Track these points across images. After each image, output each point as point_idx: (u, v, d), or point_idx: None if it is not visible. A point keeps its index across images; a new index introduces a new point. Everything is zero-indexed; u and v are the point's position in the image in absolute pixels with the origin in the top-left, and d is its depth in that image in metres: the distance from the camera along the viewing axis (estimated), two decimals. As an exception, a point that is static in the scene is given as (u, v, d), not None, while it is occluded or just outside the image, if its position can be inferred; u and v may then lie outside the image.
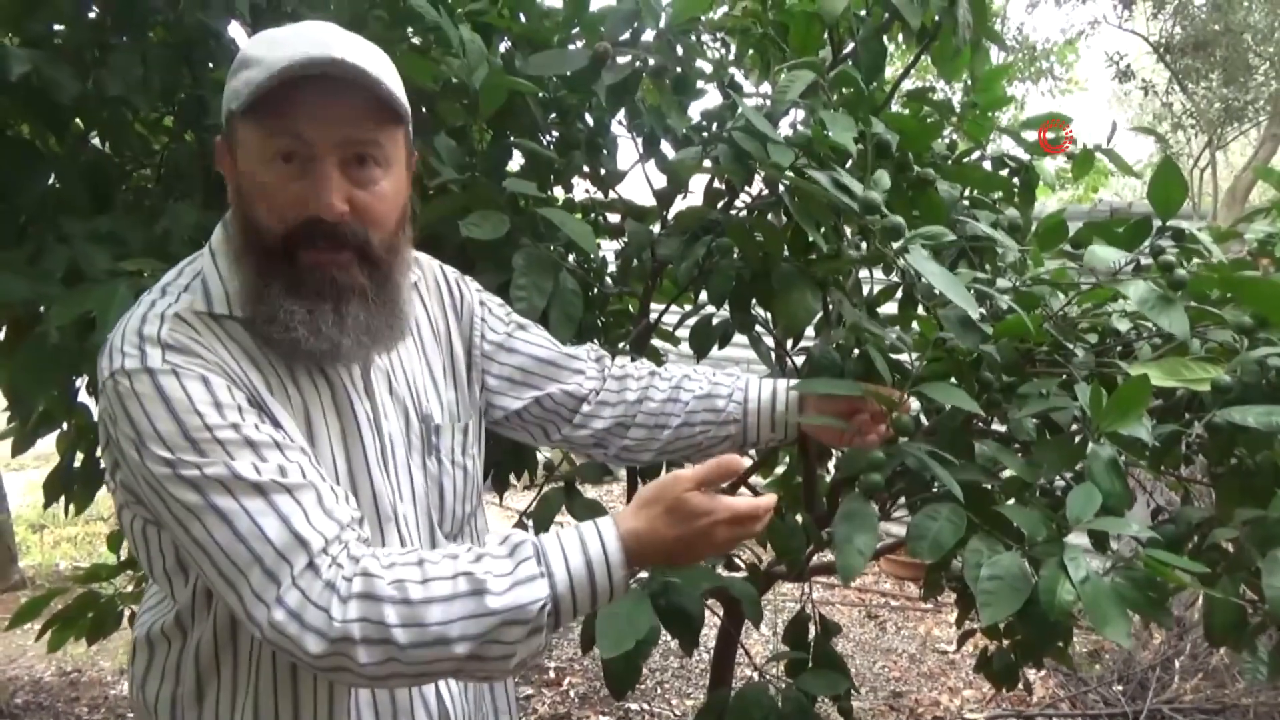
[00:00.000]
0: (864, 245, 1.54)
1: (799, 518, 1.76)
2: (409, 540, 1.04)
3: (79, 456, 2.05)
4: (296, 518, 0.85)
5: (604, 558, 0.88)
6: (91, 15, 1.71)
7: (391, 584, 0.83)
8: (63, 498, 2.06)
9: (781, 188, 1.35)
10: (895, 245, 1.19)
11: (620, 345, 1.85)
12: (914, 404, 1.30)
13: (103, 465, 2.07)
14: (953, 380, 1.42)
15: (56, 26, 1.73)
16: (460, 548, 0.89)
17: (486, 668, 0.86)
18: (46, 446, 2.06)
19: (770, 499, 0.96)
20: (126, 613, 2.26)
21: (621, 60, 1.53)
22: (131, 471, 0.89)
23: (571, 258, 1.79)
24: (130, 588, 2.34)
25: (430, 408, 1.10)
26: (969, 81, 1.95)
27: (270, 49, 0.89)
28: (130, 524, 0.98)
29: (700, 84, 1.83)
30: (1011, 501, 1.27)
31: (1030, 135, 1.83)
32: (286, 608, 0.82)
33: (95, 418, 1.95)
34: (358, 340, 0.96)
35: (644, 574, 1.33)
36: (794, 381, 1.28)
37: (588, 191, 2.09)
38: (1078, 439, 1.22)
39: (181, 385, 0.87)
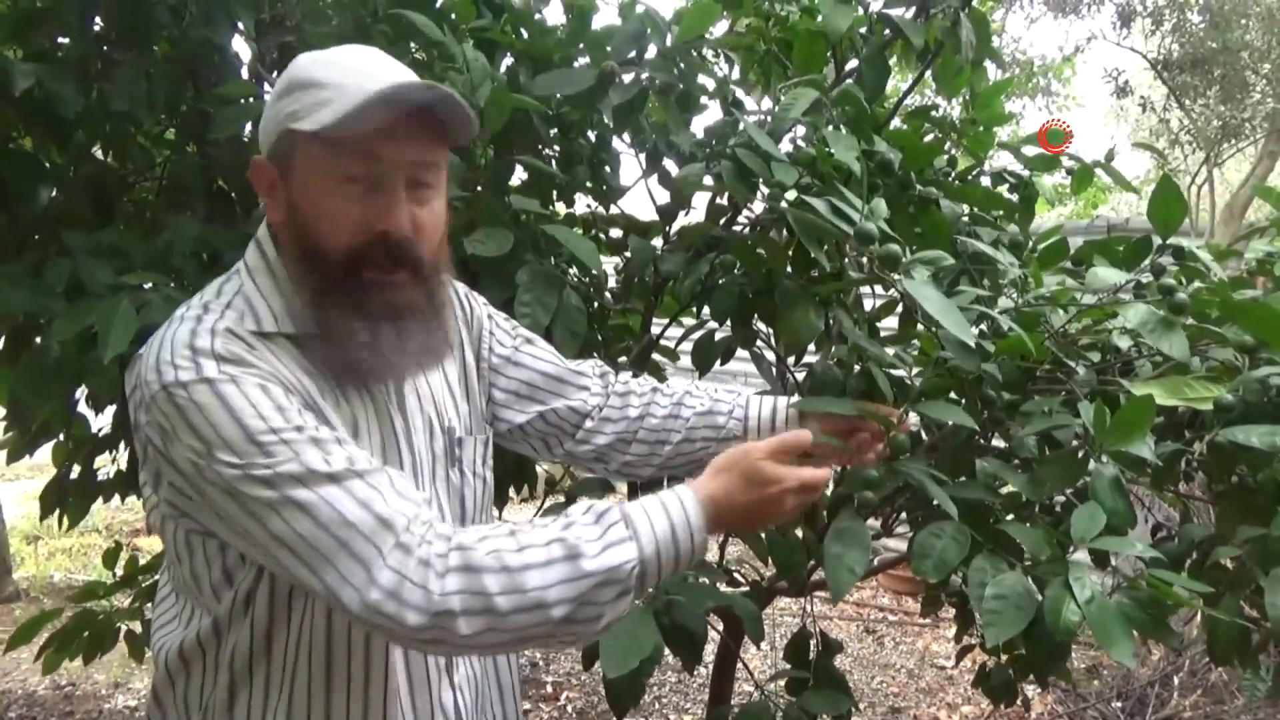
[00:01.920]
0: (864, 263, 1.54)
1: (799, 533, 1.76)
2: None
3: (75, 469, 2.05)
4: (376, 500, 0.86)
5: (686, 520, 0.92)
6: (95, 29, 1.72)
7: (489, 554, 0.85)
8: (58, 510, 2.06)
9: (784, 206, 1.35)
10: (893, 272, 1.20)
11: (620, 360, 1.85)
12: (913, 421, 1.30)
13: (112, 473, 2.09)
14: (953, 397, 1.43)
15: (60, 40, 1.74)
16: (547, 519, 0.92)
17: (576, 630, 0.88)
18: (41, 457, 2.05)
19: (827, 471, 1.04)
20: (123, 630, 2.25)
21: (628, 79, 1.54)
22: (189, 482, 0.89)
23: (573, 273, 1.80)
24: (126, 604, 2.33)
25: (452, 421, 1.12)
26: (968, 98, 1.96)
27: (344, 74, 0.91)
28: (174, 536, 0.98)
29: (703, 100, 1.84)
30: (1011, 518, 1.28)
31: (1030, 150, 1.84)
32: (381, 587, 0.83)
33: (94, 429, 1.98)
34: (416, 359, 0.99)
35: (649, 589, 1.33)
36: (794, 400, 1.28)
37: (589, 207, 2.10)
38: (1078, 456, 1.22)
39: (242, 392, 0.88)
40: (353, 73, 0.92)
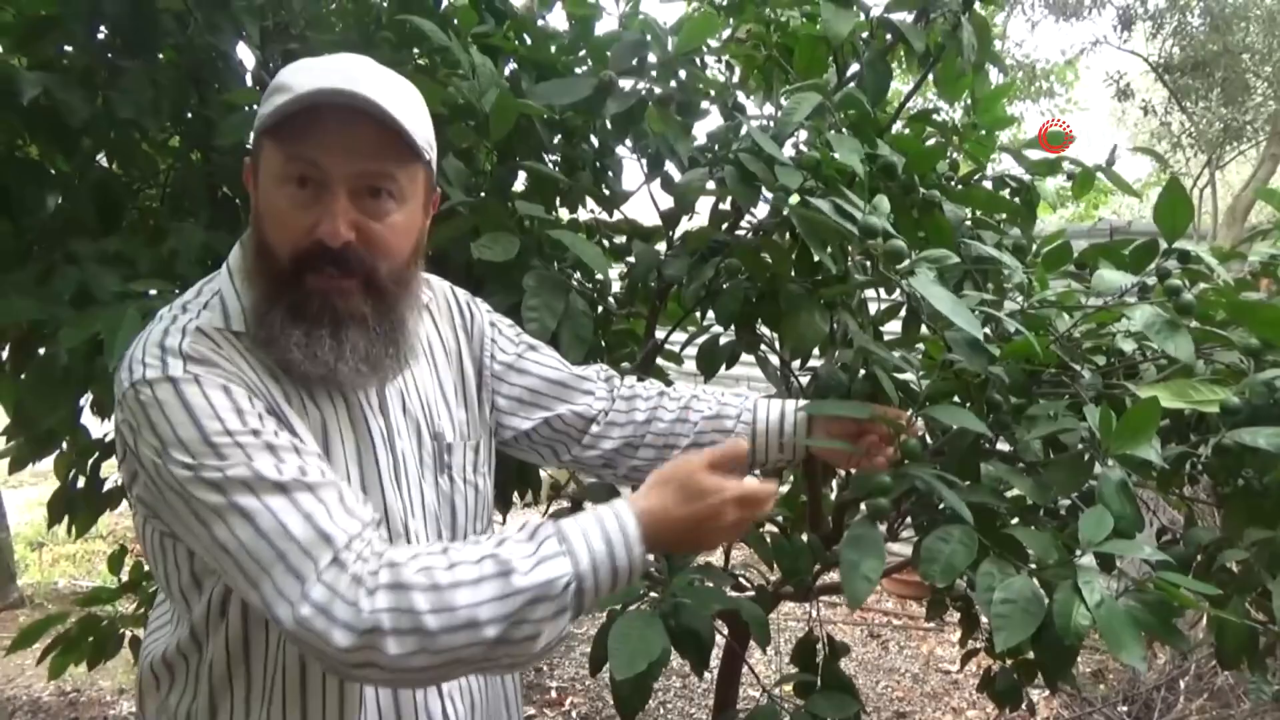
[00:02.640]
0: (869, 266, 1.54)
1: (804, 537, 1.76)
2: None
3: (80, 478, 2.05)
4: (319, 514, 0.85)
5: (623, 534, 0.89)
6: (100, 37, 1.72)
7: (418, 571, 0.84)
8: (65, 518, 2.06)
9: (787, 210, 1.35)
10: (899, 268, 1.20)
11: (624, 365, 1.85)
12: (919, 425, 1.30)
13: (120, 480, 2.08)
14: (957, 401, 1.43)
15: (65, 48, 1.75)
16: (481, 536, 0.91)
17: (513, 651, 0.86)
18: (46, 463, 2.06)
19: (773, 484, 0.99)
20: (127, 636, 2.26)
21: (626, 88, 1.54)
22: (152, 480, 0.90)
23: (577, 278, 1.80)
24: (131, 610, 2.33)
25: (442, 426, 1.11)
26: (969, 101, 1.96)
27: (301, 76, 0.91)
28: (149, 537, 0.98)
29: (704, 105, 1.84)
30: (1016, 521, 1.27)
31: (1032, 154, 1.84)
32: (313, 603, 0.82)
33: (97, 436, 1.98)
34: (355, 368, 0.96)
35: (654, 594, 1.33)
36: (802, 403, 1.28)
37: (591, 212, 2.10)
38: (1084, 459, 1.22)
39: (203, 392, 0.88)
40: (309, 74, 0.91)
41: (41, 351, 1.71)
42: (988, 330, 1.34)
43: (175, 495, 0.88)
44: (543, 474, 2.13)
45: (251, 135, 0.97)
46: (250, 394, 0.91)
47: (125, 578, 2.28)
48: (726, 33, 1.95)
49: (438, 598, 0.82)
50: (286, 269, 0.93)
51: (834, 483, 2.07)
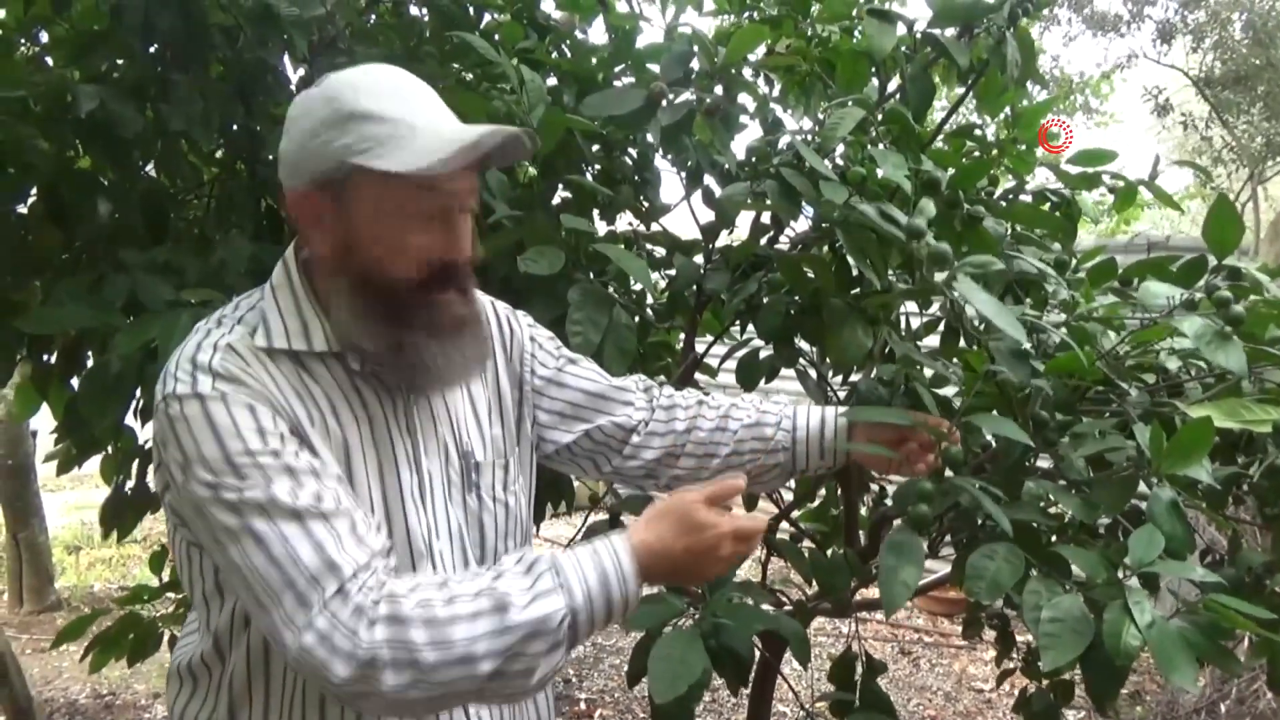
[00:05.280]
0: (910, 279, 1.54)
1: (841, 551, 1.75)
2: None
3: (128, 483, 2.08)
4: (330, 544, 0.87)
5: (619, 568, 0.91)
6: (151, 51, 1.76)
7: (417, 605, 0.85)
8: (118, 523, 2.09)
9: (834, 218, 1.36)
10: (942, 274, 1.19)
11: (659, 379, 1.85)
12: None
13: (154, 488, 2.12)
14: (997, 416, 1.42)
15: (118, 61, 1.79)
16: (480, 568, 0.92)
17: (509, 686, 0.88)
18: (84, 466, 2.09)
19: (762, 520, 1.03)
20: (167, 635, 2.29)
21: (677, 100, 1.55)
22: (178, 493, 0.92)
23: (611, 289, 1.81)
24: (171, 610, 2.37)
25: (471, 444, 1.11)
26: (1008, 117, 1.95)
27: (403, 109, 0.92)
28: (178, 544, 1.00)
29: (743, 119, 1.85)
30: (1055, 539, 1.26)
31: (1072, 169, 1.83)
32: (316, 631, 0.84)
33: (141, 442, 2.02)
34: (469, 366, 1.04)
35: (694, 610, 1.33)
36: (843, 409, 1.28)
37: (630, 225, 2.11)
38: (1131, 478, 1.20)
39: (228, 411, 0.89)
40: (412, 109, 0.93)
41: (90, 357, 1.75)
42: (1029, 346, 1.33)
43: (195, 512, 0.90)
44: (579, 485, 2.14)
45: (328, 168, 0.93)
46: (275, 414, 0.92)
47: (167, 577, 2.32)
48: (762, 48, 1.96)
49: (435, 632, 0.84)
50: (406, 292, 0.96)
51: (869, 498, 2.06)
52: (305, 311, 0.99)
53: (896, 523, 1.17)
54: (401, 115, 0.92)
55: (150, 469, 2.08)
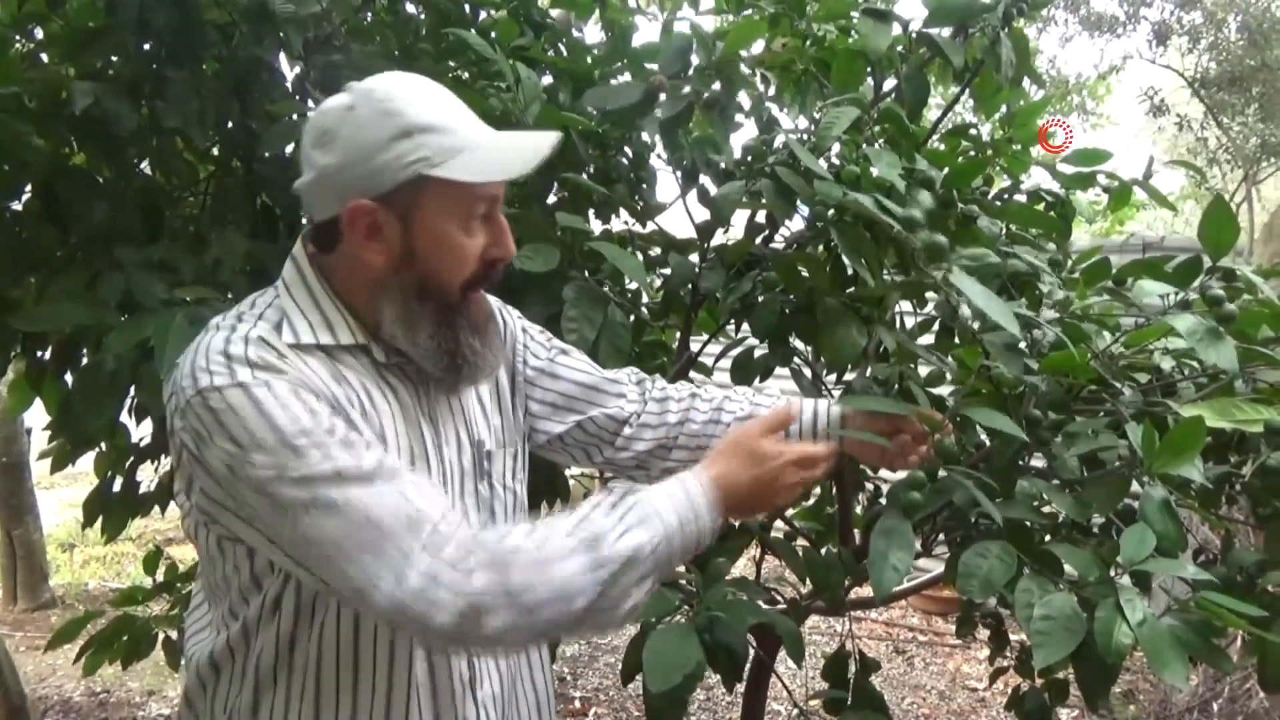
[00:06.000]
0: (906, 276, 1.54)
1: (835, 549, 1.76)
2: None
3: (118, 480, 2.08)
4: (404, 503, 0.88)
5: (697, 501, 0.96)
6: (146, 48, 1.76)
7: (512, 550, 0.88)
8: (100, 519, 2.09)
9: (828, 217, 1.36)
10: (938, 266, 1.19)
11: (654, 377, 1.86)
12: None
13: (155, 484, 2.12)
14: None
15: (112, 59, 1.78)
16: (559, 516, 0.93)
17: (601, 619, 0.91)
18: (79, 464, 2.09)
19: (826, 446, 1.09)
20: (161, 636, 2.28)
21: (675, 93, 1.55)
22: (222, 485, 0.91)
23: (606, 288, 1.81)
24: (164, 611, 2.36)
25: (481, 434, 1.13)
26: (1003, 116, 1.96)
27: (457, 119, 0.97)
28: (206, 542, 1.00)
29: (738, 118, 1.85)
30: (1047, 538, 1.27)
31: (1066, 168, 1.84)
32: (410, 587, 0.85)
33: (135, 440, 2.01)
34: (498, 359, 1.09)
35: (688, 607, 1.33)
36: (835, 401, 1.28)
37: (625, 223, 2.11)
38: (1124, 477, 1.21)
39: (275, 396, 0.90)
40: (462, 118, 0.98)
41: (85, 355, 1.75)
42: (1023, 341, 1.33)
43: (256, 494, 0.89)
44: (574, 483, 2.14)
45: (397, 179, 0.94)
46: (318, 396, 0.92)
47: (160, 578, 2.32)
48: (759, 47, 1.96)
49: (536, 572, 0.87)
50: (459, 293, 1.01)
51: (863, 497, 2.06)
52: (325, 306, 1.00)
53: (885, 506, 1.18)
54: (458, 125, 0.96)
55: (140, 468, 2.08)
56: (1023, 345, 1.32)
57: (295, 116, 1.71)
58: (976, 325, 1.37)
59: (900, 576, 1.07)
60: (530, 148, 0.97)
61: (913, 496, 1.15)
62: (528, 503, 1.21)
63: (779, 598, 1.74)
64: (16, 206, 1.72)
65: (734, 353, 1.78)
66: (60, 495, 6.56)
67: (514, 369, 1.22)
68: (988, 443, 1.45)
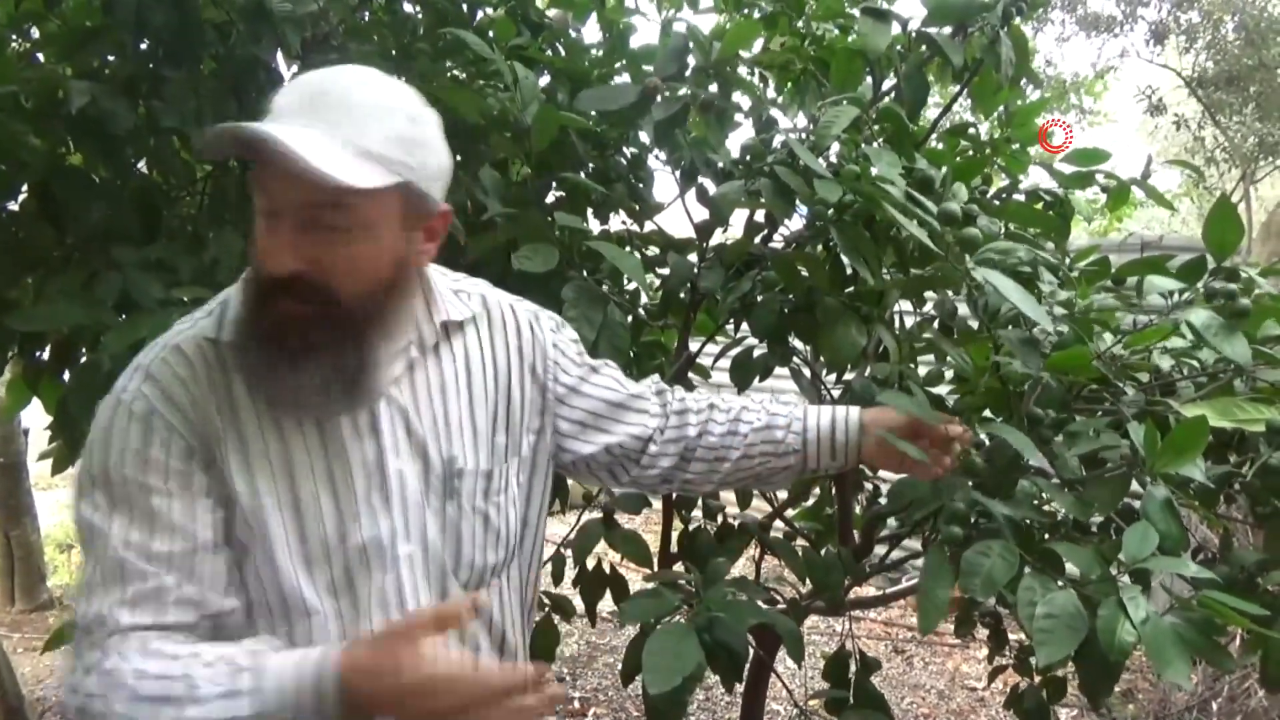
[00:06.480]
0: (904, 275, 1.54)
1: (835, 549, 1.75)
2: (408, 583, 1.02)
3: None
4: (114, 595, 0.90)
5: (317, 693, 0.86)
6: (143, 47, 1.75)
7: (132, 672, 0.87)
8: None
9: (828, 216, 1.36)
10: (970, 256, 1.19)
11: (674, 388, 1.85)
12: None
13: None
14: (988, 415, 1.42)
15: (109, 58, 1.78)
16: (228, 646, 0.90)
17: None
18: (76, 465, 2.08)
19: (540, 667, 0.90)
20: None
21: (671, 95, 1.55)
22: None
23: (605, 288, 1.80)
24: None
25: (455, 450, 1.06)
26: (1002, 116, 1.96)
27: (280, 99, 0.90)
28: None
29: (737, 118, 1.85)
30: (1048, 537, 1.27)
31: (1065, 168, 1.84)
32: (80, 661, 0.89)
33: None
34: (312, 398, 0.94)
35: (689, 606, 1.33)
36: (849, 405, 1.26)
37: (624, 223, 2.11)
38: (1125, 476, 1.21)
39: (130, 424, 0.92)
40: (282, 101, 0.90)
41: (83, 355, 1.74)
42: (1051, 333, 1.33)
43: (74, 486, 0.95)
44: (573, 485, 2.14)
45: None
46: (180, 435, 0.93)
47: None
48: (758, 46, 1.96)
49: (127, 706, 0.86)
50: (261, 294, 0.92)
51: (863, 496, 2.06)
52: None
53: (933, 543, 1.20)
54: (275, 106, 0.92)
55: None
56: (1051, 332, 1.32)
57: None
58: (990, 320, 1.36)
59: (943, 614, 1.11)
60: (247, 134, 0.83)
61: (953, 531, 1.16)
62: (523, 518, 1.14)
63: (779, 598, 1.74)
64: (13, 206, 1.71)
65: (733, 352, 1.77)
66: (57, 496, 6.53)
67: (543, 386, 1.17)
68: (987, 440, 1.45)
